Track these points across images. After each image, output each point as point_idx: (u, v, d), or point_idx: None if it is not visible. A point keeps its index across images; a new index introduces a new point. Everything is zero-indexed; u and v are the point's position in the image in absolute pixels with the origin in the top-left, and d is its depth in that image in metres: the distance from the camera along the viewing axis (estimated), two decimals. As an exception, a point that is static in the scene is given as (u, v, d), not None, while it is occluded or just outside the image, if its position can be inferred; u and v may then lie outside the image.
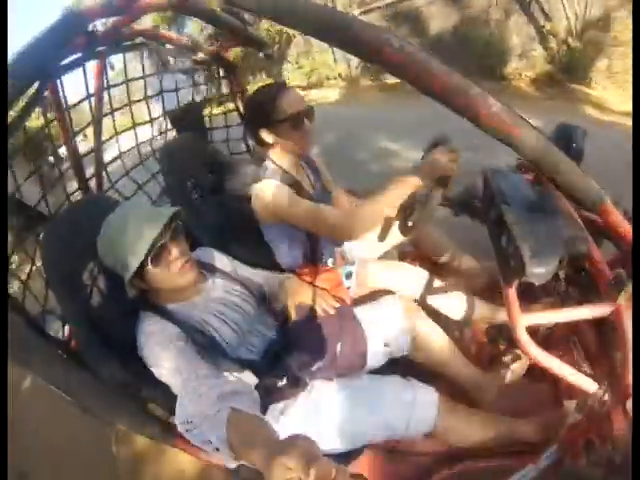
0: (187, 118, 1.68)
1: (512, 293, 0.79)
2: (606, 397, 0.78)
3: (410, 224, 1.04)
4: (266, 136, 1.26)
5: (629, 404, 0.74)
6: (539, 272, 0.71)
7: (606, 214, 0.67)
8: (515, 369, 1.19)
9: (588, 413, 0.86)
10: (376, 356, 1.13)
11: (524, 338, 0.77)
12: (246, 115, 1.32)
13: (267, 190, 1.22)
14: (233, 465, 0.78)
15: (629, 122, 3.85)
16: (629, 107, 4.16)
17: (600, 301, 0.79)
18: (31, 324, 0.99)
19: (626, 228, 0.67)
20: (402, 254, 1.61)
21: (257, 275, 1.25)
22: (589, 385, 0.80)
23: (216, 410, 0.76)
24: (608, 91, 5.21)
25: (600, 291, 0.81)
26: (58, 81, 1.16)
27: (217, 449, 0.74)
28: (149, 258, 0.93)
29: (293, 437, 0.49)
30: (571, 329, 1.04)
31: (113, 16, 0.95)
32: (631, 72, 4.69)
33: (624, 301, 0.71)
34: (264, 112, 1.23)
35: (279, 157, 1.31)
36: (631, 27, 4.78)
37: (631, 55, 5.06)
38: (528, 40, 5.84)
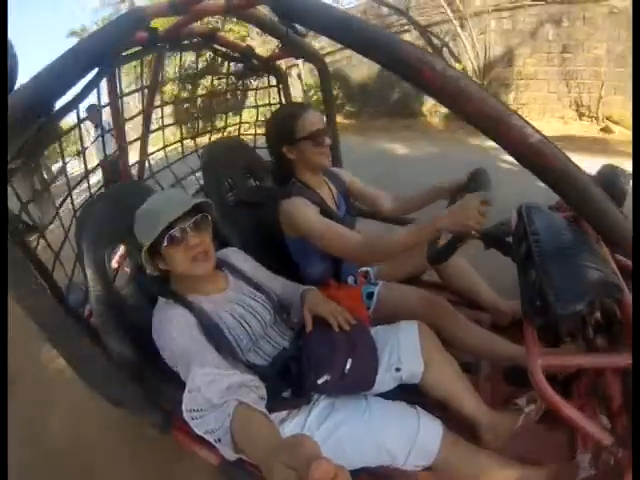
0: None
1: (532, 331, 0.76)
2: (621, 454, 0.73)
3: (436, 252, 1.03)
4: (288, 153, 1.33)
5: None
6: (566, 312, 0.69)
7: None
8: (529, 412, 1.13)
9: (601, 469, 0.81)
10: (386, 380, 1.11)
11: (539, 379, 0.73)
12: (269, 133, 1.39)
13: (294, 207, 1.27)
14: (232, 458, 0.77)
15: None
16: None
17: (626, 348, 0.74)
18: (55, 293, 1.05)
19: None
20: (427, 282, 1.60)
21: (279, 282, 1.27)
22: (604, 437, 0.76)
23: (223, 401, 0.76)
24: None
25: (627, 338, 0.76)
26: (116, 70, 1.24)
27: (219, 440, 0.74)
28: (165, 237, 0.96)
29: (295, 436, 0.49)
30: (595, 378, 0.98)
31: (174, 16, 1.00)
32: (537, 102, 6.01)
33: None
34: (287, 130, 1.30)
35: (303, 174, 1.37)
36: (532, 61, 6.03)
37: (534, 85, 5.98)
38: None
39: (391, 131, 6.65)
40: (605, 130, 5.35)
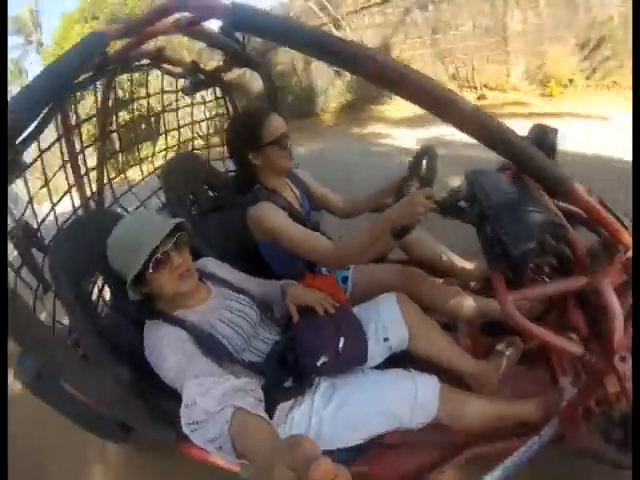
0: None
1: (498, 275, 0.85)
2: (594, 359, 0.83)
3: (399, 228, 1.11)
4: (254, 159, 1.34)
5: (616, 360, 0.79)
6: (520, 252, 0.78)
7: (575, 196, 0.75)
8: (510, 355, 1.23)
9: (582, 384, 0.91)
10: (377, 352, 1.17)
11: (512, 311, 0.82)
12: (231, 140, 1.40)
13: (262, 212, 1.30)
14: (234, 463, 0.78)
15: (401, 129, 5.25)
16: (404, 114, 5.60)
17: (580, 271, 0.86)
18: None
19: (594, 208, 0.75)
20: (393, 260, 1.68)
21: (257, 282, 1.30)
22: (577, 348, 0.86)
23: (220, 408, 0.77)
24: (393, 105, 6.41)
25: (578, 263, 0.88)
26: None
27: (220, 447, 0.75)
28: (150, 264, 0.98)
29: (293, 437, 0.47)
30: (560, 314, 1.08)
31: (130, 37, 1.02)
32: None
33: (601, 271, 0.79)
34: (252, 136, 1.32)
35: (267, 179, 1.39)
36: (406, 47, 6.42)
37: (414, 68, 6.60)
38: (329, 78, 7.03)
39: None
40: (481, 97, 5.87)
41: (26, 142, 0.99)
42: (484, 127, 0.70)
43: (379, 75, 0.68)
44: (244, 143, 1.35)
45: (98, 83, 1.31)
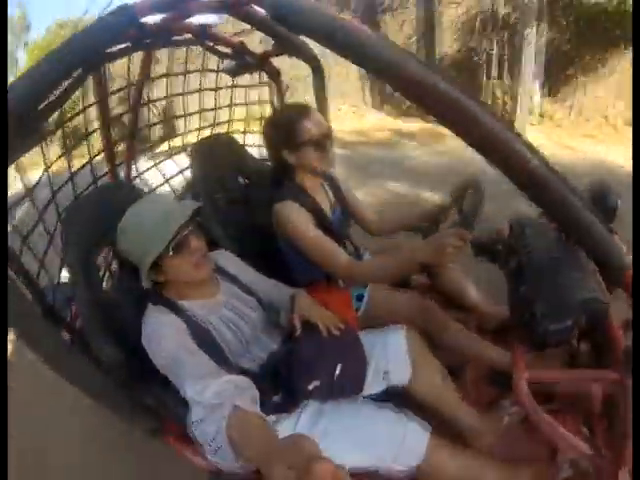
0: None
1: (520, 345, 0.78)
2: (599, 463, 0.77)
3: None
4: (289, 157, 1.29)
5: (622, 475, 0.73)
6: (551, 330, 0.71)
7: (629, 280, 0.65)
8: (513, 414, 1.16)
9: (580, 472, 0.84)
10: (374, 383, 1.13)
11: (524, 393, 0.77)
12: (268, 136, 1.35)
13: (287, 213, 1.25)
14: (228, 470, 0.79)
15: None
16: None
17: (610, 363, 0.78)
18: (38, 296, 1.02)
19: None
20: (416, 284, 1.61)
21: (268, 284, 1.27)
22: (585, 450, 0.80)
23: (217, 402, 0.77)
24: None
25: (611, 354, 0.79)
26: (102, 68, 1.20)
27: (218, 448, 0.75)
28: (171, 246, 0.95)
29: (293, 436, 0.50)
30: (578, 386, 1.01)
31: (164, 12, 0.97)
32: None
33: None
34: (287, 134, 1.27)
35: (301, 178, 1.34)
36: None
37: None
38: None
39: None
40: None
41: (49, 110, 0.96)
42: (539, 183, 0.60)
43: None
44: (278, 140, 1.30)
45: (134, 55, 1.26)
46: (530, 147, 0.59)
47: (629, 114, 4.99)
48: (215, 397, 0.79)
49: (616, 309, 0.80)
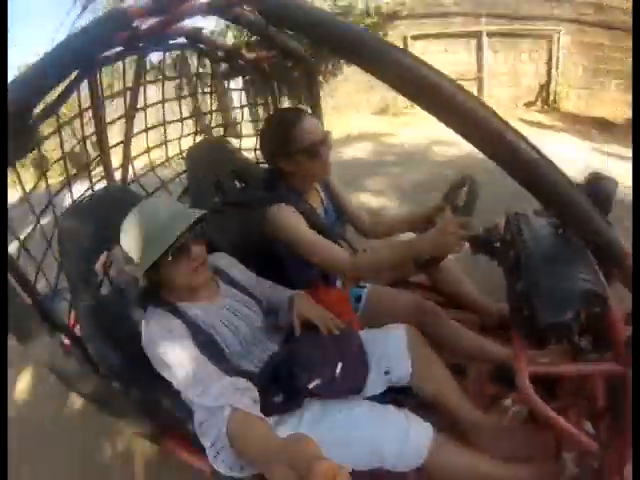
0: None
1: (520, 340, 0.77)
2: (604, 459, 0.76)
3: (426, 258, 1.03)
4: (284, 165, 1.27)
5: (627, 470, 0.72)
6: (551, 323, 0.70)
7: (627, 271, 0.65)
8: (515, 412, 1.15)
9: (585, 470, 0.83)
10: (375, 383, 1.12)
11: (527, 387, 0.75)
12: (263, 142, 1.33)
13: (281, 216, 1.23)
14: (226, 474, 0.79)
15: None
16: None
17: (612, 356, 0.77)
18: (37, 303, 1.01)
19: None
20: (415, 284, 1.61)
21: (267, 286, 1.26)
22: (589, 444, 0.79)
23: (218, 405, 0.77)
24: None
25: (613, 346, 0.78)
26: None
27: (219, 451, 0.76)
28: (170, 251, 0.94)
29: (294, 436, 0.49)
30: (581, 380, 1.00)
31: (155, 16, 0.96)
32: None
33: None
34: (281, 142, 1.24)
35: (296, 183, 1.32)
36: None
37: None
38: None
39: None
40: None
41: (45, 114, 0.96)
42: (529, 168, 0.59)
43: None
44: (273, 147, 1.28)
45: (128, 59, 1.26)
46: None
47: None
48: (215, 400, 0.79)
49: (616, 301, 0.79)
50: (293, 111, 1.34)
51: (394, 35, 6.23)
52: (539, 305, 0.72)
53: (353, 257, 1.17)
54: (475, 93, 4.78)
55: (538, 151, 0.59)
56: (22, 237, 1.04)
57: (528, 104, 6.32)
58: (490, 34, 6.10)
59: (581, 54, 5.85)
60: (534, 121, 5.61)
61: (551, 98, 6.13)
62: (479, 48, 6.20)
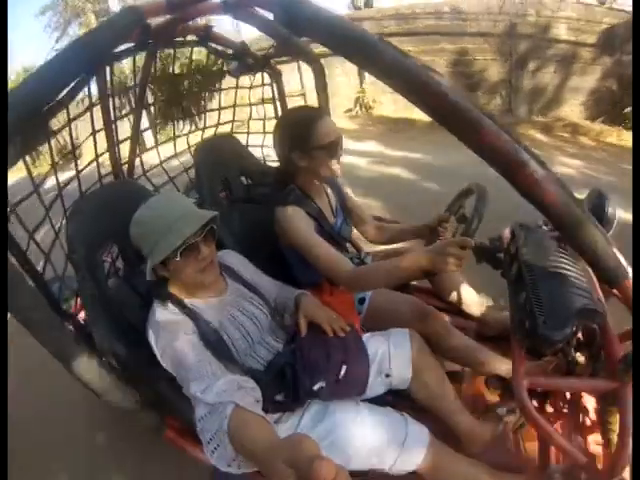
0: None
1: (520, 351, 0.78)
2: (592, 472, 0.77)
3: None
4: (299, 160, 1.27)
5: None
6: (551, 336, 0.71)
7: (627, 291, 0.65)
8: (508, 422, 1.17)
9: None
10: (376, 385, 1.13)
11: (524, 400, 0.76)
12: (280, 136, 1.32)
13: (288, 217, 1.24)
14: (224, 468, 0.79)
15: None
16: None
17: (606, 373, 0.78)
18: (43, 290, 1.03)
19: None
20: (416, 287, 1.62)
21: (274, 285, 1.27)
22: (579, 457, 0.80)
23: (219, 401, 0.78)
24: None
25: (607, 363, 0.79)
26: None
27: (216, 447, 0.76)
28: (179, 251, 0.95)
29: (294, 436, 0.49)
30: (573, 396, 1.02)
31: (170, 14, 0.97)
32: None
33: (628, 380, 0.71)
34: (302, 137, 1.24)
35: (304, 182, 1.33)
36: None
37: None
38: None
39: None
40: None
41: (55, 110, 0.97)
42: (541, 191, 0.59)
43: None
44: (291, 141, 1.28)
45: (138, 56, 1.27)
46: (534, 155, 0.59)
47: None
48: (218, 396, 0.79)
49: (614, 318, 0.80)
50: (315, 109, 1.36)
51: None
52: (540, 319, 0.73)
53: (352, 271, 1.17)
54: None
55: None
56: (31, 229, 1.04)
57: (347, 111, 7.73)
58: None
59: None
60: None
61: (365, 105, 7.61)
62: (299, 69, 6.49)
